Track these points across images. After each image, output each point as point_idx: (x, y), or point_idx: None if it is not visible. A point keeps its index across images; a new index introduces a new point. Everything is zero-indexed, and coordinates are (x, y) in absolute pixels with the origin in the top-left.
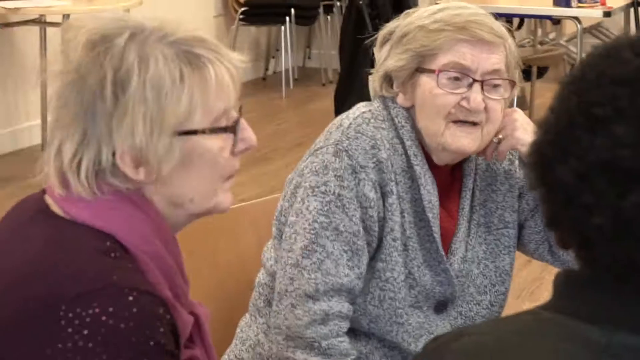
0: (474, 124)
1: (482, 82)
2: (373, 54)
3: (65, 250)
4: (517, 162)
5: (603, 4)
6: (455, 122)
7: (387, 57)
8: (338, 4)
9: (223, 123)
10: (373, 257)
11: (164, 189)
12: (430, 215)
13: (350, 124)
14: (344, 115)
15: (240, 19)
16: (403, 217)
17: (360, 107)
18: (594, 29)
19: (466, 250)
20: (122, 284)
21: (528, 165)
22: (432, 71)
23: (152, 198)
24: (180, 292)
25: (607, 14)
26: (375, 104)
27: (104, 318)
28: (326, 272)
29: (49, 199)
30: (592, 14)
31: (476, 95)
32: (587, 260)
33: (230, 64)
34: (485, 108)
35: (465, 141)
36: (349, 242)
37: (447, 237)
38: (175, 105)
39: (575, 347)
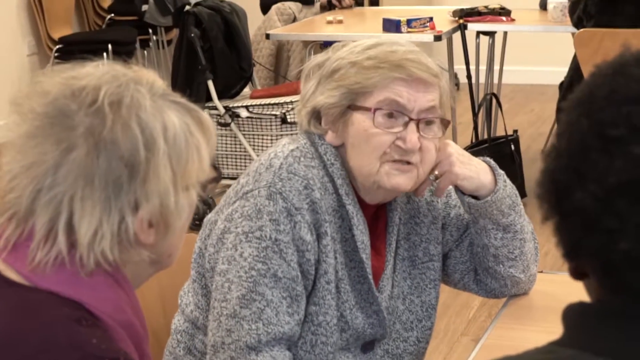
0: (409, 163)
1: (417, 121)
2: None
3: (34, 319)
4: (437, 200)
5: (432, 28)
6: (390, 161)
7: (314, 92)
8: (154, 38)
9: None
10: (307, 301)
11: (155, 248)
12: (364, 256)
13: (282, 164)
14: (271, 153)
15: (56, 57)
16: (335, 258)
17: (286, 145)
18: None
19: (392, 286)
20: (101, 354)
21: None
22: (367, 109)
23: (133, 260)
24: None
25: (438, 38)
26: (302, 141)
27: None
28: (267, 321)
29: None
30: (423, 38)
31: (412, 135)
32: (612, 289)
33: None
34: (420, 148)
35: (400, 179)
36: (288, 288)
37: (377, 276)
38: (193, 160)
39: None
